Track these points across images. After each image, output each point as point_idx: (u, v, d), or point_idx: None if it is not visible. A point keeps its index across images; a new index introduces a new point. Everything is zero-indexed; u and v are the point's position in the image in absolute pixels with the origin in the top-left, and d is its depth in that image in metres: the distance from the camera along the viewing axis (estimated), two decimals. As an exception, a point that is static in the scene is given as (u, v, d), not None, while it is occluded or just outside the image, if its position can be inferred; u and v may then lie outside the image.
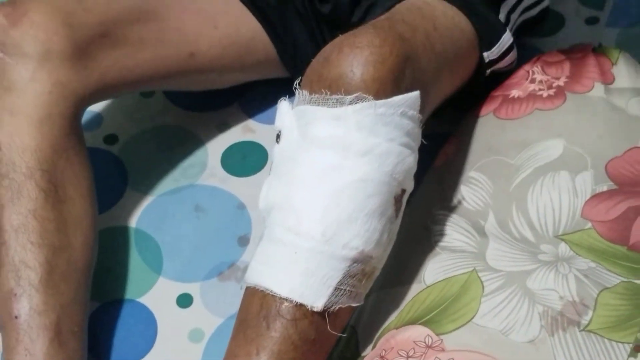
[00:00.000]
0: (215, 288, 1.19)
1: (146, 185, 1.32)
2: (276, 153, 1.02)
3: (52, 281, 1.07)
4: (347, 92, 0.96)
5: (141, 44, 1.21)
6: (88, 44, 1.15)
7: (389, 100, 0.96)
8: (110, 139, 1.37)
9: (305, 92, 0.99)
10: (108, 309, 1.19)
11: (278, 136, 1.03)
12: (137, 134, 1.38)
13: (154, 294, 1.20)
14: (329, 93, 0.97)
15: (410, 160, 0.99)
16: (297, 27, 1.33)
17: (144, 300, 1.20)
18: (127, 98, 1.42)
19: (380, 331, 1.00)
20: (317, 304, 0.92)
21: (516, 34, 1.31)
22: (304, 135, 0.98)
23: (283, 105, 1.03)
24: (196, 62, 1.27)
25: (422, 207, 1.15)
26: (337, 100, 0.96)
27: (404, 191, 1.00)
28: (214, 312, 1.16)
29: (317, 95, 0.97)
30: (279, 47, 1.35)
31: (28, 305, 1.05)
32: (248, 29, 1.33)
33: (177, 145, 1.37)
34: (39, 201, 1.09)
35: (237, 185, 1.31)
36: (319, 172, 0.98)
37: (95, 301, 1.18)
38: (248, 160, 1.34)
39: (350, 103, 0.95)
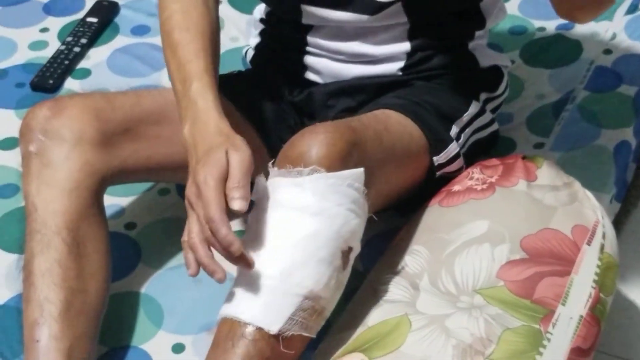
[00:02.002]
0: (204, 340, 1.24)
1: (156, 261, 1.41)
2: (250, 216, 1.14)
3: (69, 316, 1.15)
4: (306, 167, 1.08)
5: (156, 140, 1.31)
6: (113, 135, 1.25)
7: (338, 173, 1.08)
8: (130, 225, 1.48)
9: (275, 168, 1.12)
10: (116, 352, 1.28)
11: (252, 204, 1.13)
12: (152, 222, 1.48)
13: (154, 342, 1.29)
14: (291, 167, 1.09)
15: (355, 222, 1.11)
16: (288, 139, 1.36)
17: (145, 347, 1.28)
18: (147, 194, 1.52)
19: None
20: (273, 328, 1.04)
21: (470, 150, 1.41)
22: (273, 200, 1.10)
23: (258, 180, 1.14)
24: None
25: (373, 275, 1.24)
26: (297, 172, 1.08)
27: (350, 249, 1.11)
28: (202, 358, 1.17)
29: (283, 170, 1.10)
30: (273, 154, 1.32)
31: (47, 332, 1.13)
32: (247, 137, 1.31)
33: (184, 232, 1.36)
34: (63, 253, 1.18)
35: (229, 263, 1.24)
36: (281, 227, 1.10)
37: (106, 346, 1.27)
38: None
39: (308, 174, 1.08)
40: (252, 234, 1.13)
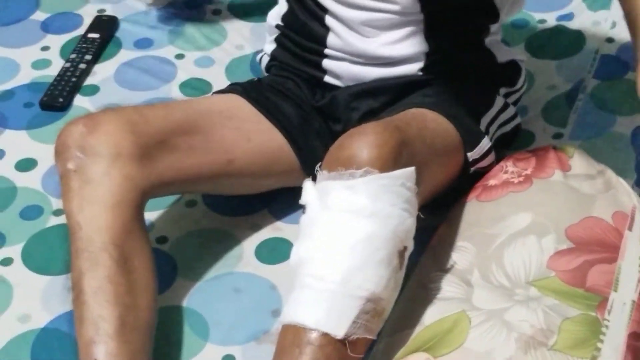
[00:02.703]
0: (253, 349, 1.26)
1: (193, 273, 1.39)
2: (302, 222, 1.15)
3: (124, 332, 1.15)
4: (357, 169, 1.08)
5: (190, 150, 1.31)
6: (149, 148, 1.25)
7: (391, 173, 1.09)
8: (162, 239, 1.45)
9: (325, 172, 1.12)
10: (167, 370, 1.26)
11: (303, 209, 1.15)
12: (183, 235, 1.47)
13: (203, 356, 1.27)
14: (343, 170, 1.10)
15: (409, 222, 1.11)
16: (316, 142, 1.43)
17: None
18: (175, 207, 1.50)
19: None
20: (339, 333, 1.03)
21: (495, 145, 1.41)
22: (324, 204, 1.10)
23: (307, 184, 1.15)
24: (233, 168, 1.36)
25: (421, 273, 1.24)
26: (349, 174, 1.09)
27: (405, 248, 1.11)
28: None
29: (334, 173, 1.10)
30: (302, 158, 1.43)
31: (104, 350, 1.13)
32: (276, 143, 1.42)
33: (216, 243, 1.44)
34: (112, 269, 1.17)
35: (268, 272, 1.38)
36: (337, 231, 1.09)
37: (156, 363, 1.25)
38: (277, 251, 1.41)
39: (360, 176, 1.08)
40: (307, 239, 1.13)
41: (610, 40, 1.80)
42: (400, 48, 1.44)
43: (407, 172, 1.12)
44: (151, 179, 1.27)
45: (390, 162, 1.11)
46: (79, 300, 1.18)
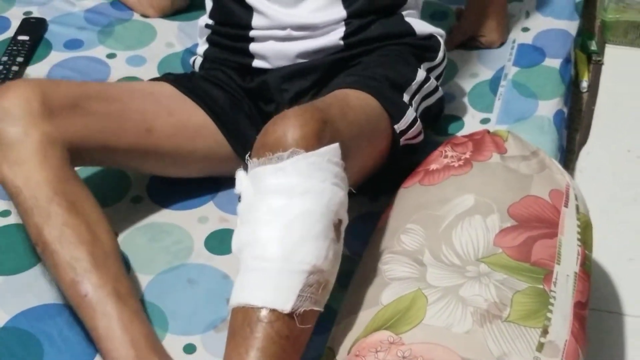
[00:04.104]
0: (212, 337, 1.27)
1: (146, 267, 1.39)
2: (239, 210, 1.17)
3: (98, 263, 1.19)
4: (284, 151, 1.10)
5: (106, 116, 1.33)
6: (60, 108, 1.27)
7: (316, 151, 1.11)
8: None
9: (254, 159, 1.13)
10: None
11: (239, 198, 1.17)
12: (132, 230, 1.47)
13: (164, 346, 1.25)
14: (271, 154, 1.11)
15: (341, 195, 1.14)
16: (246, 123, 1.45)
17: None
18: (121, 204, 1.51)
19: (352, 343, 1.10)
20: (286, 308, 1.05)
21: (422, 117, 1.45)
22: (258, 189, 1.12)
23: (240, 174, 1.17)
24: (153, 139, 1.38)
25: (369, 257, 1.25)
26: (277, 157, 1.11)
27: (340, 221, 1.14)
28: (214, 355, 1.24)
29: (263, 158, 1.12)
30: (232, 140, 1.44)
31: (90, 284, 1.17)
32: (198, 119, 1.44)
33: (167, 236, 1.45)
34: (65, 216, 1.21)
35: (219, 262, 1.40)
36: (273, 212, 1.11)
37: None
38: (225, 242, 1.37)
39: (288, 157, 1.10)
40: (245, 224, 1.15)
41: (525, 29, 1.86)
42: (322, 15, 1.48)
43: (332, 148, 1.14)
44: (67, 137, 1.28)
45: (314, 140, 1.12)
46: (48, 251, 1.22)
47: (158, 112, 1.40)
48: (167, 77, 1.52)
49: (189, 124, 1.43)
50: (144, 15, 1.91)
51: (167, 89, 1.45)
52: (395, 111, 1.38)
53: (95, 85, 1.39)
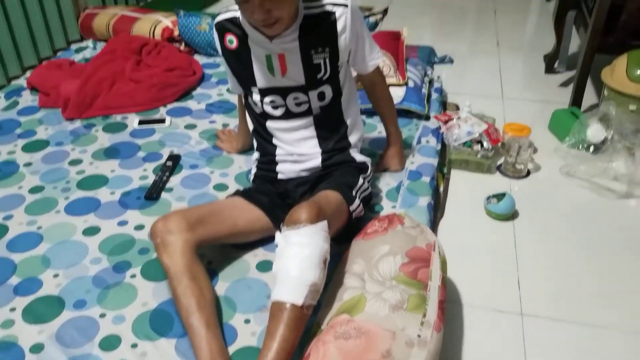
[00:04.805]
0: (259, 316, 1.19)
1: (226, 278, 1.30)
2: (277, 252, 1.13)
3: (200, 307, 1.10)
4: (300, 224, 1.09)
5: (216, 223, 1.26)
6: (195, 225, 1.21)
7: (315, 225, 1.09)
8: (209, 263, 1.34)
9: (285, 227, 1.11)
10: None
11: (276, 245, 1.14)
12: (220, 261, 1.35)
13: (234, 320, 1.18)
14: (293, 225, 1.09)
15: (327, 246, 1.11)
16: (279, 211, 1.37)
17: (230, 322, 1.19)
18: (210, 250, 1.37)
19: (327, 320, 1.07)
20: (299, 302, 1.03)
21: (362, 202, 1.39)
22: (286, 242, 1.10)
23: (277, 234, 1.14)
24: (237, 229, 1.31)
25: (337, 275, 1.20)
26: (297, 227, 1.09)
27: (326, 259, 1.10)
28: (259, 325, 1.17)
29: (290, 226, 1.10)
30: (273, 221, 1.36)
31: (194, 319, 1.09)
32: (258, 213, 1.34)
33: (236, 263, 1.35)
34: (188, 282, 1.12)
35: (264, 277, 1.30)
36: (293, 254, 1.08)
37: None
38: (267, 266, 1.33)
39: (302, 227, 1.09)
40: (279, 259, 1.11)
41: (412, 162, 1.79)
42: (311, 150, 1.44)
43: (323, 224, 1.11)
44: (198, 239, 1.21)
45: (314, 220, 1.10)
46: (176, 298, 1.14)
47: (239, 215, 1.32)
48: (238, 192, 1.44)
49: (253, 217, 1.35)
50: (228, 153, 1.86)
51: (240, 201, 1.37)
52: (349, 200, 1.35)
53: (207, 207, 1.30)
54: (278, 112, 1.39)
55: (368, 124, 2.00)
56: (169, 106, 2.15)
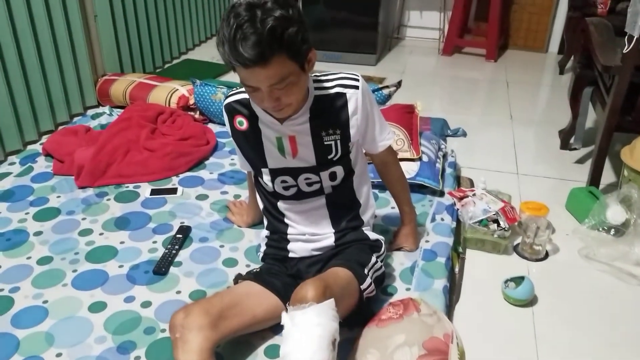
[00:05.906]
0: None
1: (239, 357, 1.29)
2: (283, 333, 1.11)
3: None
4: (306, 303, 1.09)
5: (234, 316, 1.23)
6: (215, 320, 1.18)
7: (322, 303, 1.09)
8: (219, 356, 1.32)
9: (291, 306, 1.11)
10: None
11: (283, 327, 1.12)
12: (230, 351, 1.33)
13: None
14: (299, 304, 1.09)
15: (335, 325, 1.10)
16: (290, 292, 1.34)
17: None
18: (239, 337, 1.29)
19: None
20: None
21: (374, 282, 1.37)
22: (293, 323, 1.08)
23: (284, 314, 1.13)
24: (256, 320, 1.29)
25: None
26: (303, 306, 1.09)
27: (335, 339, 1.10)
28: None
29: (296, 306, 1.10)
30: (284, 301, 1.32)
31: None
32: (274, 301, 1.33)
33: (245, 349, 1.33)
34: None
35: None
36: (301, 335, 1.07)
37: None
38: (275, 350, 1.32)
39: (308, 306, 1.09)
40: (286, 341, 1.09)
41: (427, 241, 1.78)
42: (323, 230, 1.44)
43: (330, 302, 1.11)
44: (218, 336, 1.19)
45: (321, 298, 1.10)
46: None
47: (257, 304, 1.30)
48: (251, 274, 1.43)
49: (270, 306, 1.32)
50: (239, 226, 1.86)
51: (256, 288, 1.35)
52: (361, 279, 1.33)
53: (229, 299, 1.27)
54: (290, 192, 1.40)
55: (380, 199, 2.01)
56: (182, 175, 2.19)
